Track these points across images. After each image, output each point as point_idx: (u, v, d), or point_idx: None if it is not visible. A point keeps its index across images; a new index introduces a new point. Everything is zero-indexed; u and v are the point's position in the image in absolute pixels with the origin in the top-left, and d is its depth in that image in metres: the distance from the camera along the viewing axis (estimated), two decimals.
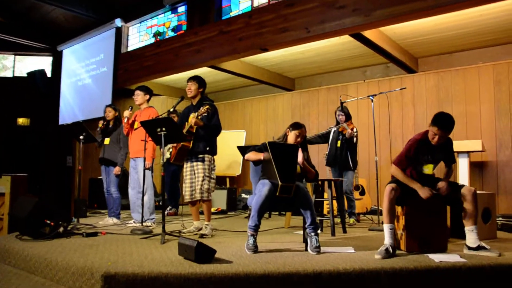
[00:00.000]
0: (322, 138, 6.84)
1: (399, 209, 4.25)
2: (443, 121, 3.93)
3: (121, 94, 9.87)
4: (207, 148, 5.17)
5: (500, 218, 5.88)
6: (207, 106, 5.04)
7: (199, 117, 5.05)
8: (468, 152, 6.52)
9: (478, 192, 4.59)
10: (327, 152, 6.90)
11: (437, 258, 3.66)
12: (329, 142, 6.80)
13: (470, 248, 3.96)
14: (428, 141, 4.08)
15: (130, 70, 9.42)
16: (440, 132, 3.93)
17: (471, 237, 3.95)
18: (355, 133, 6.42)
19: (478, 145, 6.39)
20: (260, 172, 4.55)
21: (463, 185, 4.10)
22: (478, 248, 3.91)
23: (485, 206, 4.97)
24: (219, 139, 5.80)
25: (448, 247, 4.18)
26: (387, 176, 4.96)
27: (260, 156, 4.36)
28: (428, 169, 4.17)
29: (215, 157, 5.30)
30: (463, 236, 4.20)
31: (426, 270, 3.45)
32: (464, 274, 3.47)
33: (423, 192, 3.96)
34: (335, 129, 6.68)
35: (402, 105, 8.38)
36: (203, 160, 5.10)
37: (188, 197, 5.25)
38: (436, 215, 4.12)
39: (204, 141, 5.19)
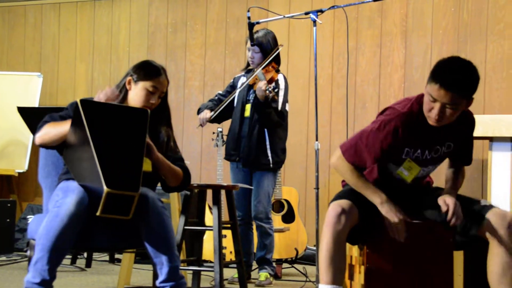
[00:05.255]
0: (218, 102, 4.14)
1: (354, 251, 2.84)
2: (452, 73, 2.42)
3: None
4: None
5: None
6: None
7: None
8: None
9: None
10: (221, 130, 4.32)
11: None
12: (233, 111, 4.26)
13: None
14: (421, 119, 2.64)
15: None
16: (445, 95, 2.41)
17: None
18: (273, 90, 3.77)
19: None
20: (63, 165, 2.69)
21: (490, 207, 2.73)
22: None
23: None
24: None
25: None
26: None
27: (67, 126, 2.52)
28: (409, 172, 2.79)
29: None
30: None
31: None
32: None
33: (389, 213, 2.65)
34: (245, 81, 4.01)
35: (380, 37, 5.35)
36: None
37: None
38: (432, 266, 2.83)
39: None
